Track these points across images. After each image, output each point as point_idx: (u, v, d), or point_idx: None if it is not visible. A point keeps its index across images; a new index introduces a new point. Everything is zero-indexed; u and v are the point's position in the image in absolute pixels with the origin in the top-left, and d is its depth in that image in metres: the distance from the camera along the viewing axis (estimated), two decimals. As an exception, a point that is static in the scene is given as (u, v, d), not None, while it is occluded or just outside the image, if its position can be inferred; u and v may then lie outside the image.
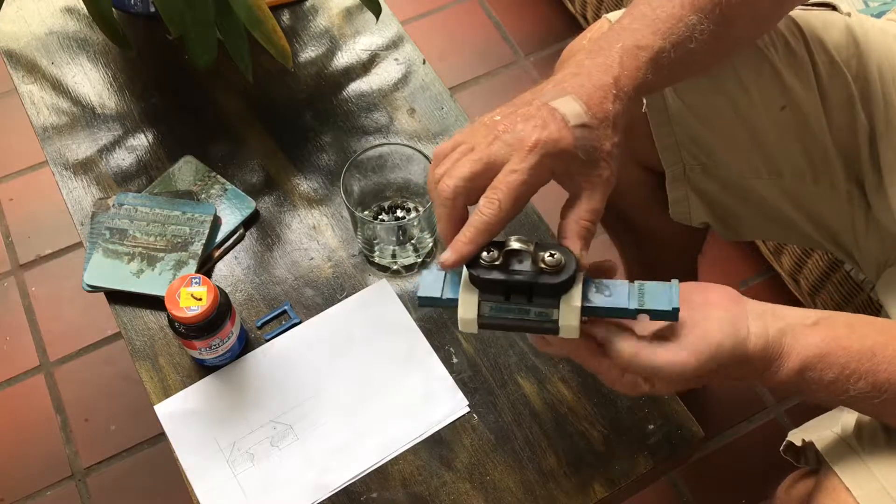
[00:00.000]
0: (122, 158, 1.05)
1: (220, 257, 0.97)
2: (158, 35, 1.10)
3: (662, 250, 1.14)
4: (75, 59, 1.13)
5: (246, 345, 0.92)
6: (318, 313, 0.93)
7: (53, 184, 1.03)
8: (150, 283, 0.94)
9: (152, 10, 1.13)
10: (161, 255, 0.95)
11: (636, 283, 0.64)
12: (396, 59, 1.11)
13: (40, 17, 1.16)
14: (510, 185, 0.62)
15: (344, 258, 0.97)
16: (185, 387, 0.90)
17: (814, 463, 0.78)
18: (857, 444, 0.71)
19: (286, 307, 0.94)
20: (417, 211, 0.95)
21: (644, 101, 0.86)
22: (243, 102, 1.08)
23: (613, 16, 0.90)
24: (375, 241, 0.93)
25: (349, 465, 0.85)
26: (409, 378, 0.89)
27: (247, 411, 0.88)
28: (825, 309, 1.26)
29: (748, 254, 1.51)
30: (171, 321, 0.86)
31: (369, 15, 1.13)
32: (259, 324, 0.93)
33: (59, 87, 1.10)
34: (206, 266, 0.96)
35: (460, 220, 0.64)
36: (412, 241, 0.93)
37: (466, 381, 0.89)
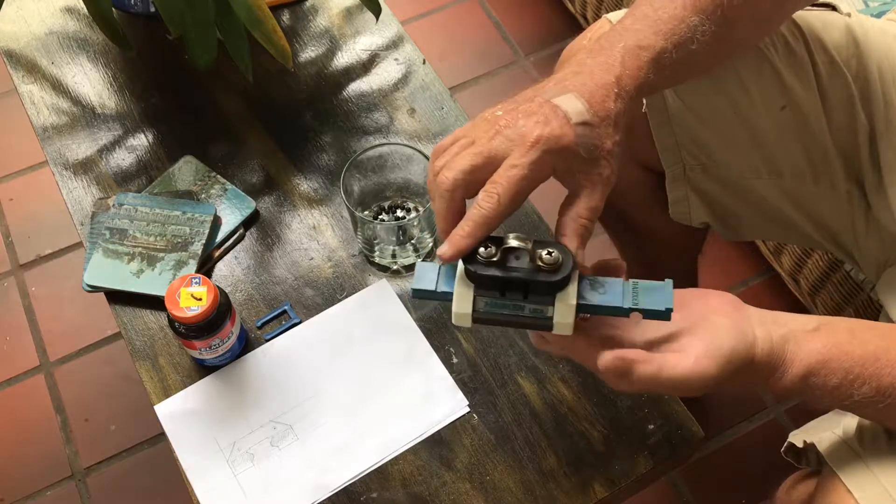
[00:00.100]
0: (122, 158, 1.05)
1: (220, 257, 0.97)
2: (158, 35, 1.10)
3: (662, 250, 1.14)
4: (75, 59, 1.13)
5: (246, 345, 0.92)
6: (318, 313, 0.93)
7: (53, 184, 1.03)
8: (150, 283, 0.94)
9: (152, 10, 1.13)
10: (161, 255, 0.95)
11: (630, 281, 0.64)
12: (396, 59, 1.11)
13: (40, 17, 1.16)
14: (510, 179, 0.62)
15: (344, 258, 0.97)
16: (185, 387, 0.90)
17: (815, 464, 0.78)
18: (859, 446, 0.71)
19: (286, 307, 0.94)
20: (417, 211, 0.95)
21: (644, 101, 0.86)
22: (243, 102, 1.08)
23: (613, 16, 0.90)
24: (375, 241, 0.93)
25: (349, 465, 0.85)
26: (409, 378, 0.89)
27: (247, 411, 0.88)
28: (825, 309, 1.27)
29: (748, 254, 1.51)
30: (171, 321, 0.86)
31: (369, 15, 1.13)
32: (259, 324, 0.93)
33: (59, 87, 1.10)
34: (206, 266, 0.96)
35: (458, 213, 0.64)
36: (412, 241, 0.93)
37: (466, 381, 0.89)
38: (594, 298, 0.63)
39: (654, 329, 0.64)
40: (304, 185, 1.02)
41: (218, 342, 0.87)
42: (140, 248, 0.96)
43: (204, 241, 0.96)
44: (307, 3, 1.16)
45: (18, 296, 1.53)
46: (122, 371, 1.44)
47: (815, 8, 0.89)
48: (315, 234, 0.99)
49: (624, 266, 0.67)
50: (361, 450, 0.86)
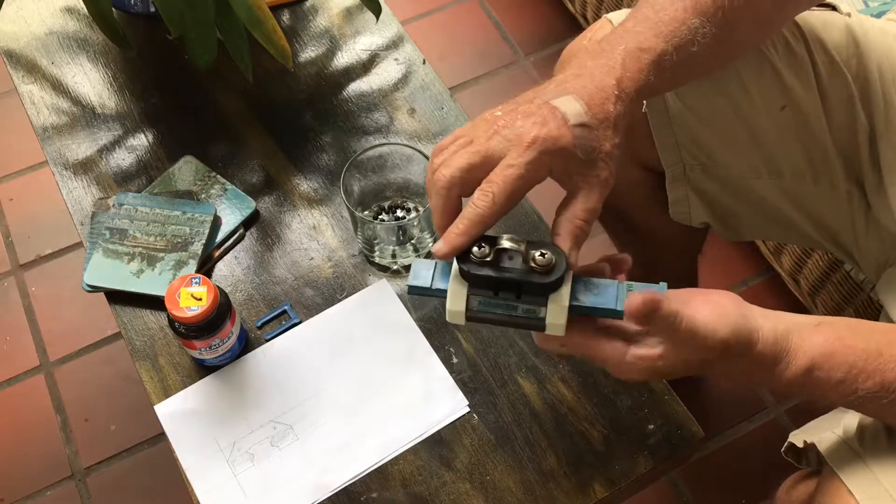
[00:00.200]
0: (122, 158, 1.05)
1: (220, 257, 0.97)
2: (158, 35, 1.10)
3: (662, 250, 1.14)
4: (75, 59, 1.13)
5: (246, 345, 0.92)
6: (318, 313, 0.93)
7: (53, 184, 1.03)
8: (150, 283, 0.94)
9: (152, 10, 1.13)
10: (161, 255, 0.95)
11: (625, 283, 0.64)
12: (396, 59, 1.11)
13: (40, 17, 1.16)
14: (506, 178, 0.62)
15: (344, 258, 0.97)
16: (185, 387, 0.90)
17: (815, 464, 0.78)
18: (860, 446, 0.71)
19: (286, 307, 0.94)
20: (417, 211, 0.95)
21: (644, 102, 0.86)
22: (243, 102, 1.08)
23: (613, 16, 0.90)
24: (375, 241, 0.93)
25: (349, 465, 0.85)
26: (409, 378, 0.89)
27: (247, 411, 0.88)
28: (825, 309, 1.27)
29: (748, 254, 1.51)
30: (171, 321, 0.86)
31: (369, 15, 1.13)
32: (259, 324, 0.93)
33: (59, 87, 1.10)
34: (206, 266, 0.96)
35: (454, 211, 0.65)
36: (412, 241, 0.93)
37: (466, 381, 0.89)
38: (587, 300, 0.64)
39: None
40: (304, 185, 1.02)
41: (218, 342, 0.87)
42: (140, 248, 0.96)
43: (204, 241, 0.96)
44: (307, 3, 1.16)
45: (18, 296, 1.53)
46: (122, 371, 1.44)
47: (815, 8, 0.89)
48: (315, 234, 0.99)
49: (629, 260, 0.67)
50: (361, 450, 0.86)
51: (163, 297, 0.85)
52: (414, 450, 0.85)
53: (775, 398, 1.39)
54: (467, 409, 0.87)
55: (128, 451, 1.38)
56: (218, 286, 0.87)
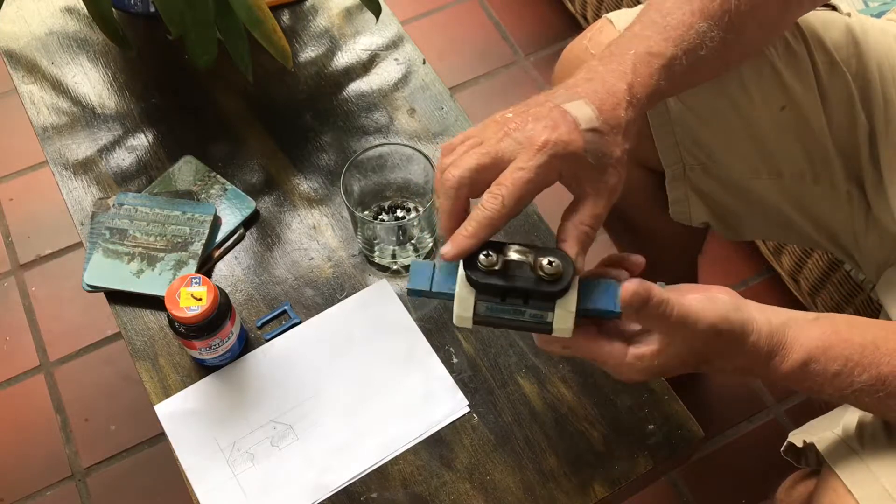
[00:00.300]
0: (122, 158, 1.05)
1: (220, 257, 0.97)
2: (158, 35, 1.10)
3: (662, 250, 1.14)
4: (75, 59, 1.13)
5: (246, 345, 0.92)
6: (318, 313, 0.93)
7: (53, 184, 1.03)
8: (150, 283, 0.94)
9: (152, 10, 1.13)
10: (161, 255, 0.95)
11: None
12: (396, 59, 1.11)
13: (40, 17, 1.16)
14: (515, 182, 0.62)
15: (344, 258, 0.97)
16: (185, 387, 0.90)
17: (814, 464, 0.78)
18: (859, 445, 0.71)
19: (286, 307, 0.94)
20: (417, 211, 0.95)
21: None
22: (243, 102, 1.08)
23: (613, 15, 0.90)
24: (375, 241, 0.93)
25: (349, 465, 0.85)
26: (409, 378, 0.89)
27: (247, 411, 0.88)
28: (825, 309, 1.27)
29: (748, 254, 1.51)
30: (171, 321, 0.86)
31: (369, 15, 1.13)
32: (259, 324, 0.93)
33: (59, 87, 1.10)
34: (206, 266, 0.96)
35: (462, 212, 0.64)
36: (412, 241, 0.93)
37: (466, 381, 0.89)
38: (591, 302, 0.64)
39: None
40: (304, 185, 1.02)
41: (218, 342, 0.87)
42: (140, 248, 0.96)
43: (204, 241, 0.96)
44: (307, 3, 1.16)
45: (18, 296, 1.53)
46: (122, 371, 1.44)
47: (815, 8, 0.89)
48: (315, 234, 0.99)
49: (643, 262, 0.67)
50: (361, 450, 0.86)
51: (163, 297, 0.85)
52: (414, 450, 0.85)
53: (775, 397, 1.40)
54: (467, 409, 0.87)
55: (128, 451, 1.38)
56: (218, 286, 0.87)
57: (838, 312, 1.22)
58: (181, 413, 0.88)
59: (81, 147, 1.06)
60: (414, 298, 0.93)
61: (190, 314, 0.84)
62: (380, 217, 0.96)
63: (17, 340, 1.48)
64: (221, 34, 0.97)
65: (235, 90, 1.09)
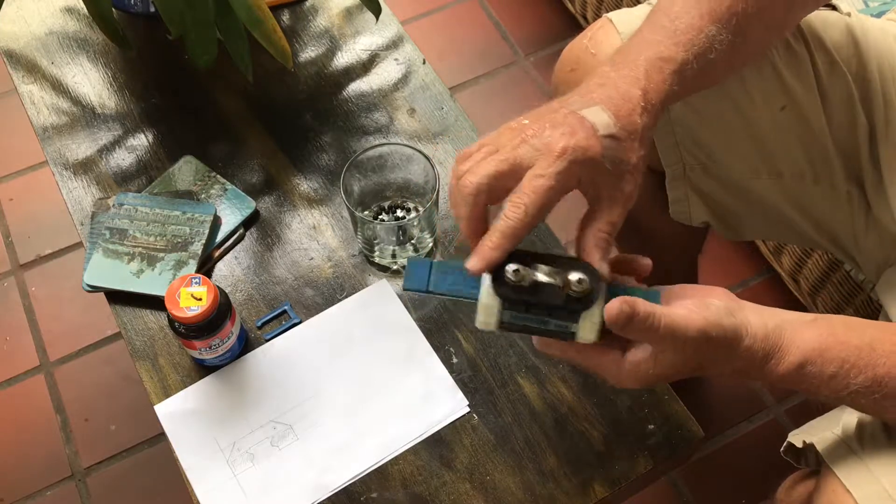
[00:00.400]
0: (122, 158, 1.05)
1: (220, 257, 0.97)
2: (158, 35, 1.10)
3: (662, 250, 1.14)
4: (75, 59, 1.13)
5: (246, 345, 0.92)
6: (318, 313, 0.93)
7: (53, 184, 1.03)
8: (150, 283, 0.94)
9: (152, 10, 1.13)
10: (161, 255, 0.95)
11: (637, 288, 0.65)
12: (396, 59, 1.11)
13: (40, 17, 1.16)
14: (537, 189, 0.61)
15: (344, 258, 0.97)
16: (185, 387, 0.90)
17: (814, 464, 0.78)
18: (858, 445, 0.71)
19: (286, 307, 0.94)
20: (417, 211, 0.95)
21: None
22: (243, 102, 1.08)
23: (614, 15, 0.90)
24: (375, 241, 0.93)
25: (349, 465, 0.85)
26: (409, 378, 0.89)
27: (247, 411, 0.88)
28: (825, 309, 1.27)
29: (748, 254, 1.51)
30: (171, 321, 0.86)
31: (369, 15, 1.13)
32: (259, 324, 0.93)
33: (59, 87, 1.10)
34: (206, 266, 0.96)
35: (481, 219, 0.64)
36: (412, 241, 0.93)
37: (466, 381, 0.89)
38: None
39: None
40: (304, 185, 1.02)
41: (218, 342, 0.87)
42: (140, 248, 0.96)
43: (204, 241, 0.96)
44: (307, 3, 1.16)
45: (18, 296, 1.53)
46: (122, 371, 1.44)
47: (816, 8, 0.89)
48: (315, 234, 0.99)
49: (648, 265, 0.67)
50: (361, 450, 0.86)
51: (163, 297, 0.85)
52: (414, 450, 0.85)
53: (774, 397, 1.40)
54: (467, 409, 0.87)
55: (128, 451, 1.38)
56: (218, 286, 0.87)
57: (838, 312, 1.23)
58: (181, 413, 0.88)
59: (81, 147, 1.06)
60: (414, 298, 0.93)
61: (190, 314, 0.84)
62: (380, 217, 0.96)
63: (17, 340, 1.48)
64: (221, 34, 0.97)
65: (235, 90, 1.09)
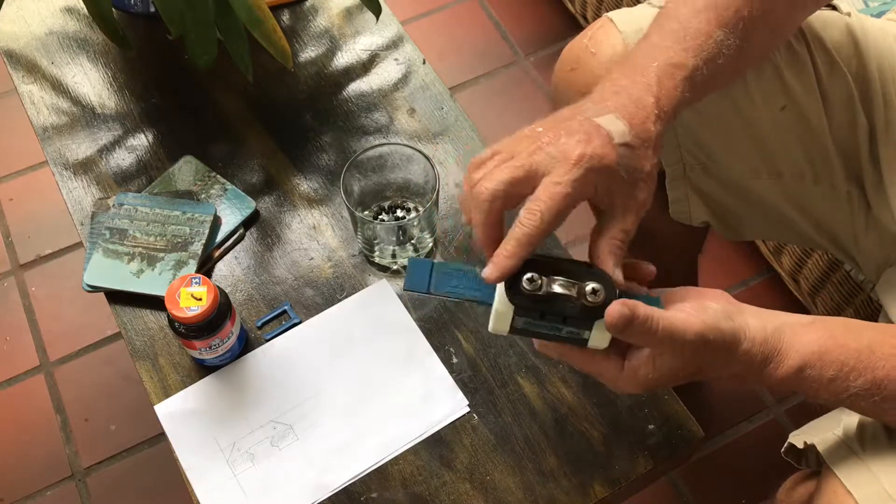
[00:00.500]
0: (122, 158, 1.05)
1: (220, 257, 0.97)
2: (158, 35, 1.10)
3: (662, 250, 1.13)
4: (75, 59, 1.13)
5: (246, 345, 0.92)
6: (318, 313, 0.93)
7: (53, 184, 1.03)
8: (150, 283, 0.94)
9: (152, 10, 1.13)
10: (161, 255, 0.95)
11: (648, 296, 0.65)
12: (396, 59, 1.11)
13: (40, 17, 1.16)
14: (553, 197, 0.61)
15: (344, 258, 0.97)
16: (185, 387, 0.90)
17: (815, 465, 0.78)
18: (859, 446, 0.71)
19: (286, 307, 0.94)
20: (417, 211, 0.95)
21: None
22: (243, 102, 1.08)
23: (614, 15, 0.90)
24: (375, 241, 0.93)
25: (349, 465, 0.85)
26: (409, 378, 0.89)
27: (247, 411, 0.88)
28: (825, 309, 1.27)
29: (748, 254, 1.51)
30: (171, 321, 0.86)
31: (369, 15, 1.13)
32: (259, 324, 0.93)
33: (59, 87, 1.10)
34: (206, 266, 0.96)
35: (497, 225, 0.64)
36: (412, 241, 0.93)
37: (466, 381, 0.89)
38: None
39: None
40: (304, 185, 1.02)
41: (218, 342, 0.87)
42: (140, 248, 0.96)
43: (204, 241, 0.96)
44: (307, 3, 1.16)
45: (18, 296, 1.53)
46: (122, 371, 1.44)
47: (816, 8, 0.89)
48: (315, 234, 0.99)
49: (653, 271, 0.67)
50: (361, 450, 0.86)
51: (163, 297, 0.85)
52: (414, 450, 0.85)
53: (774, 397, 1.40)
54: (467, 409, 0.87)
55: (128, 451, 1.38)
56: (218, 286, 0.87)
57: (838, 312, 1.23)
58: (181, 413, 0.88)
59: (81, 147, 1.06)
60: (414, 298, 0.93)
61: (190, 314, 0.84)
62: (380, 217, 0.96)
63: (17, 340, 1.48)
64: (221, 34, 0.97)
65: (235, 90, 1.09)
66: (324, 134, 1.06)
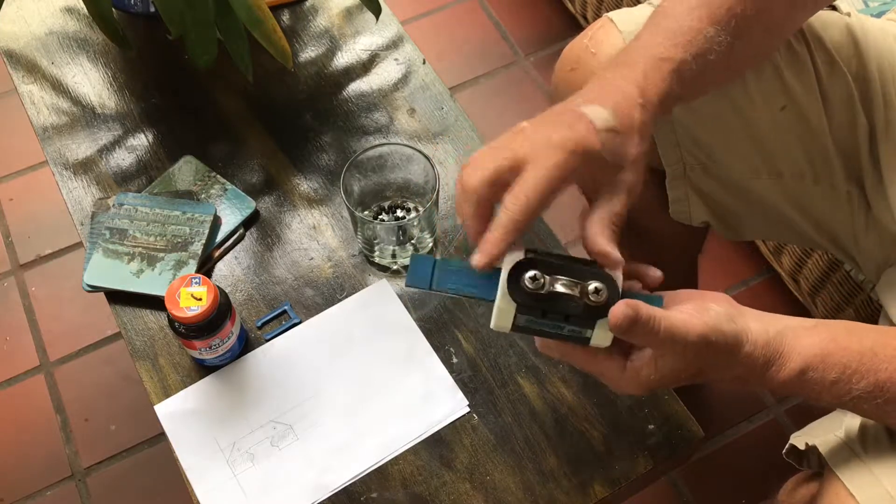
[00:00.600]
0: (122, 158, 1.05)
1: (220, 257, 0.97)
2: (158, 35, 1.10)
3: (662, 250, 1.14)
4: (75, 59, 1.13)
5: (246, 345, 0.92)
6: (318, 313, 0.93)
7: (53, 184, 1.03)
8: (150, 283, 0.94)
9: (152, 10, 1.13)
10: (161, 255, 0.95)
11: (653, 296, 0.65)
12: (396, 59, 1.11)
13: (40, 17, 1.16)
14: (536, 180, 0.62)
15: (344, 258, 0.97)
16: (185, 387, 0.90)
17: (816, 466, 0.78)
18: (861, 448, 0.71)
19: (286, 307, 0.94)
20: (417, 211, 0.95)
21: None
22: (243, 102, 1.08)
23: (614, 15, 0.90)
24: (375, 241, 0.93)
25: (349, 465, 0.85)
26: (409, 378, 0.89)
27: (247, 411, 0.88)
28: (825, 309, 1.27)
29: (748, 254, 1.51)
30: (171, 321, 0.86)
31: (369, 15, 1.13)
32: (259, 324, 0.93)
33: (59, 87, 1.10)
34: (206, 266, 0.96)
35: (486, 216, 0.65)
36: (412, 241, 0.93)
37: (466, 381, 0.89)
38: None
39: None
40: (304, 185, 1.02)
41: (218, 342, 0.87)
42: (140, 248, 0.96)
43: (204, 241, 0.96)
44: (307, 3, 1.16)
45: (18, 296, 1.53)
46: (122, 371, 1.44)
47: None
48: (315, 234, 0.99)
49: (659, 277, 0.67)
50: (361, 450, 0.86)
51: (163, 297, 0.85)
52: (414, 450, 0.85)
53: (774, 397, 1.40)
54: (467, 409, 0.87)
55: (128, 451, 1.38)
56: (218, 286, 0.87)
57: (838, 312, 1.23)
58: (181, 413, 0.88)
59: (81, 147, 1.06)
60: (415, 298, 0.93)
61: (190, 314, 0.84)
62: (380, 217, 0.96)
63: (17, 340, 1.48)
64: (221, 34, 0.97)
65: (235, 90, 1.09)
66: (324, 134, 1.06)
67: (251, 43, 0.97)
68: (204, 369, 0.91)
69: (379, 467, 0.85)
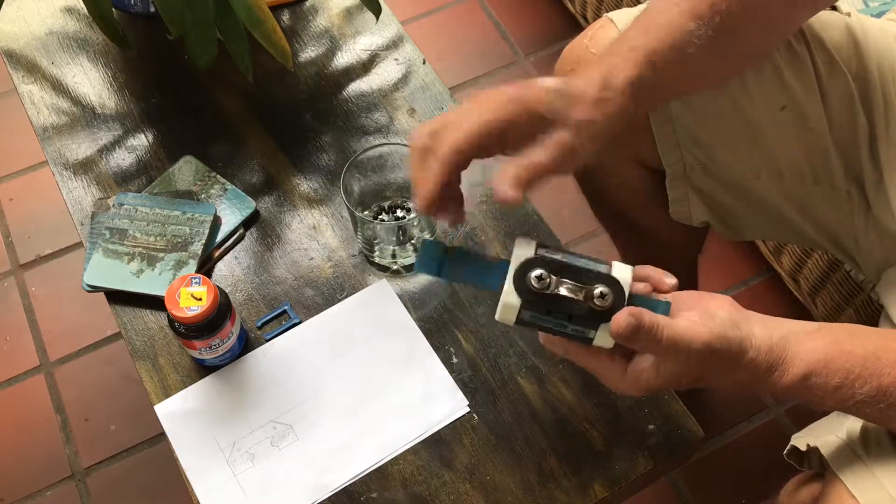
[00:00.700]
0: (122, 158, 1.05)
1: (220, 257, 0.97)
2: (158, 35, 1.10)
3: (662, 250, 1.14)
4: (75, 59, 1.13)
5: (246, 345, 0.92)
6: (318, 313, 0.93)
7: (53, 184, 1.03)
8: (150, 283, 0.94)
9: (152, 10, 1.13)
10: (161, 255, 0.95)
11: (658, 301, 0.65)
12: (396, 59, 1.11)
13: (40, 17, 1.16)
14: (472, 121, 0.65)
15: (344, 258, 0.97)
16: (185, 387, 0.90)
17: (817, 467, 0.78)
18: (863, 450, 0.71)
19: (286, 307, 0.94)
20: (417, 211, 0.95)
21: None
22: (243, 102, 1.08)
23: (614, 15, 0.90)
24: (375, 241, 0.93)
25: (349, 465, 0.85)
26: (409, 378, 0.89)
27: (247, 411, 0.88)
28: (825, 309, 1.27)
29: (748, 254, 1.51)
30: (171, 321, 0.86)
31: (369, 15, 1.13)
32: (259, 324, 0.93)
33: (59, 87, 1.10)
34: (206, 266, 0.96)
35: (420, 164, 0.67)
36: (412, 241, 0.93)
37: (466, 381, 0.89)
38: None
39: None
40: (304, 185, 1.02)
41: (218, 342, 0.87)
42: (140, 248, 0.96)
43: (204, 241, 0.96)
44: (307, 3, 1.16)
45: (18, 296, 1.53)
46: (122, 371, 1.44)
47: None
48: (315, 234, 0.99)
49: (674, 284, 0.67)
50: (361, 450, 0.86)
51: (163, 297, 0.85)
52: (414, 450, 0.85)
53: (776, 400, 1.39)
54: (467, 409, 0.87)
55: (128, 451, 1.38)
56: (218, 286, 0.87)
57: (838, 312, 1.23)
58: (181, 413, 0.88)
59: (81, 147, 1.06)
60: (415, 298, 0.93)
61: (190, 314, 0.84)
62: (380, 217, 0.96)
63: (17, 340, 1.48)
64: (221, 34, 0.97)
65: (235, 90, 1.09)
66: (324, 134, 1.06)
67: (251, 43, 0.97)
68: (204, 369, 0.91)
69: (379, 467, 0.85)
